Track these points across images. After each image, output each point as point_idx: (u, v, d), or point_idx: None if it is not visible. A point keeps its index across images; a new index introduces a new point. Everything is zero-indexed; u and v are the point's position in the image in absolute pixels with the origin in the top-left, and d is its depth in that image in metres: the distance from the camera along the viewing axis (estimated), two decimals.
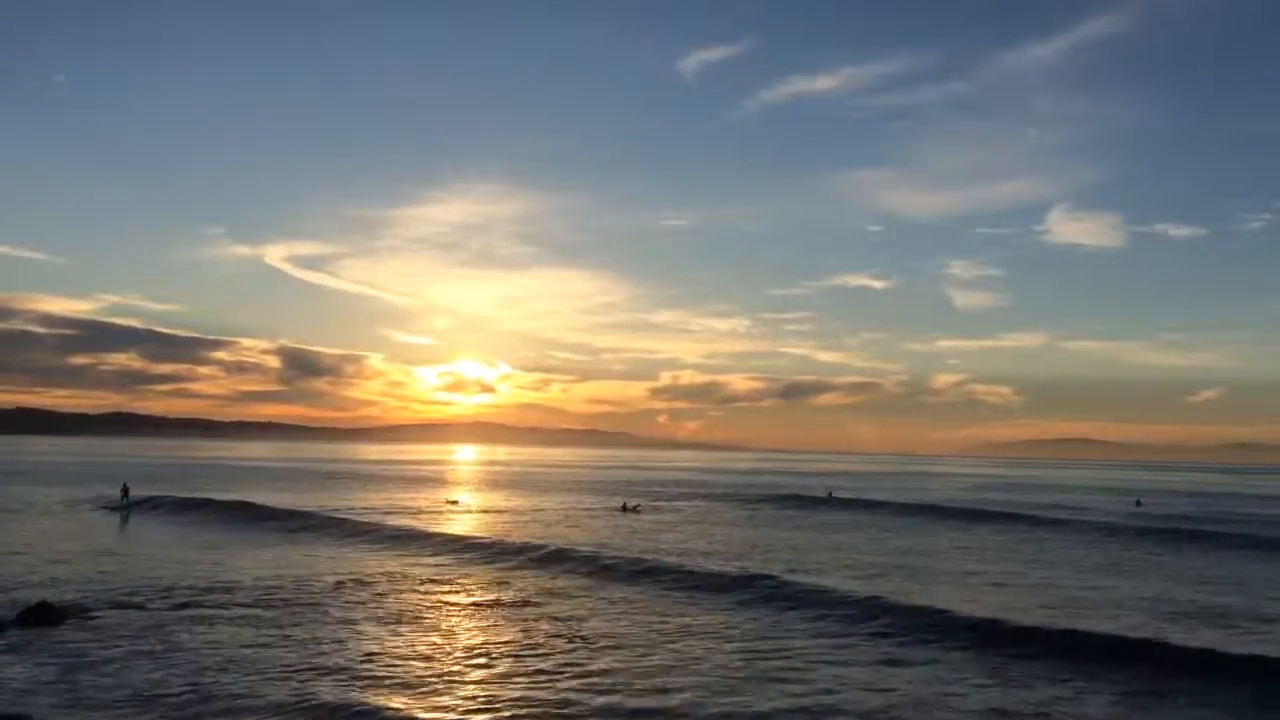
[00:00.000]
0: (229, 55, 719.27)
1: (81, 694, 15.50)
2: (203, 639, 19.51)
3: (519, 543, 37.09)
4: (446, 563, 32.63)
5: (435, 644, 19.79)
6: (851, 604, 24.95)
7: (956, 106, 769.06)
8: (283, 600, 24.13)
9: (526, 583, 28.51)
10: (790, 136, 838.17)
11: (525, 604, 25.11)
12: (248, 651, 18.49)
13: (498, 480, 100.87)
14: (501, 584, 28.29)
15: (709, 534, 45.51)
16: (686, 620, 23.40)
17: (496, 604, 25.07)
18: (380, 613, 23.07)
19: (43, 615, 20.84)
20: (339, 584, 27.17)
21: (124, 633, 19.93)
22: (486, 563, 32.79)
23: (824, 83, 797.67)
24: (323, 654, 18.53)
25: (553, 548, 35.42)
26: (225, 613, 22.35)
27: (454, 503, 64.12)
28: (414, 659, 18.45)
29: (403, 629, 21.28)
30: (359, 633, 20.66)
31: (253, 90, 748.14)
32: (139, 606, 22.81)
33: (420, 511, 55.21)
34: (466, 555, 34.51)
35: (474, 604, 25.04)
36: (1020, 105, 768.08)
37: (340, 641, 19.70)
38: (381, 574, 29.45)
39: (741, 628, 22.65)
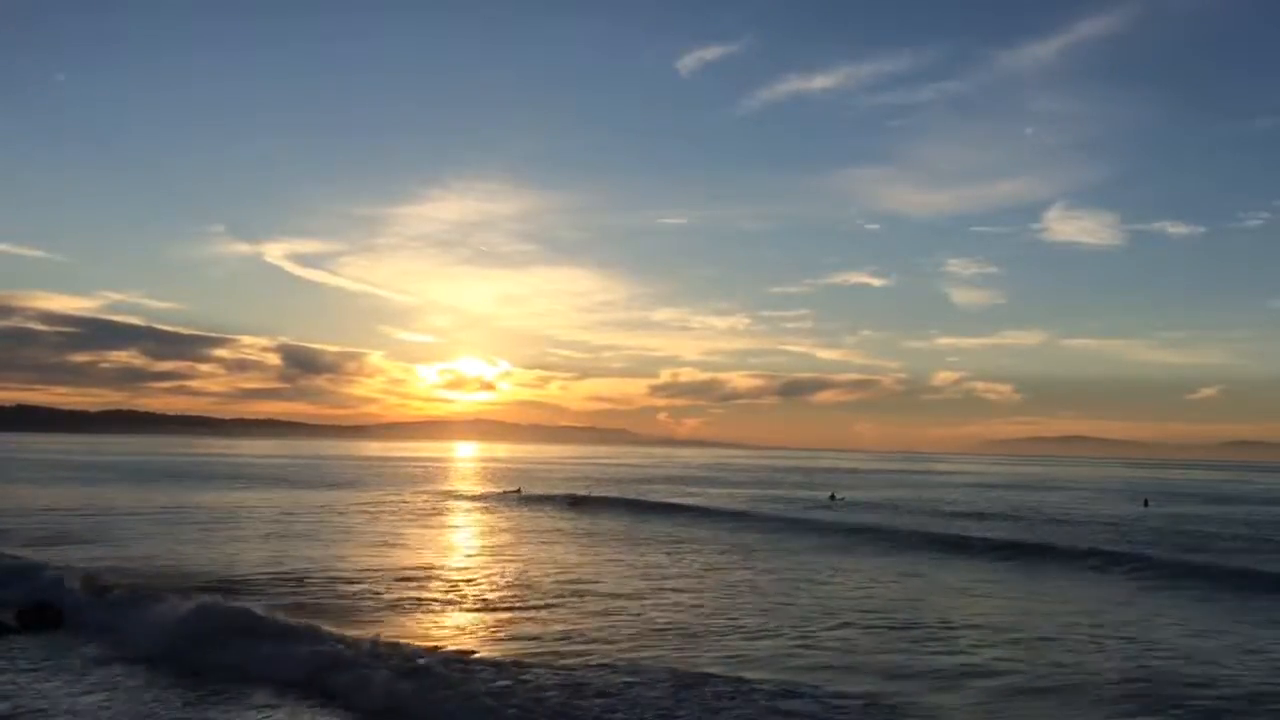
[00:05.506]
0: (229, 53, 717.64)
1: None
2: None
3: None
4: None
5: None
6: None
7: (955, 105, 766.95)
8: None
9: None
10: (789, 135, 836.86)
11: None
12: None
13: (535, 476, 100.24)
14: None
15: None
16: None
17: None
18: None
19: (45, 615, 19.92)
20: None
21: None
22: None
23: (822, 81, 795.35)
24: None
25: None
26: None
27: (516, 491, 66.86)
28: None
29: None
30: None
31: (252, 88, 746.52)
32: None
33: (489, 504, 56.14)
34: None
35: None
36: (1018, 104, 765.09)
37: None
38: None
39: None
